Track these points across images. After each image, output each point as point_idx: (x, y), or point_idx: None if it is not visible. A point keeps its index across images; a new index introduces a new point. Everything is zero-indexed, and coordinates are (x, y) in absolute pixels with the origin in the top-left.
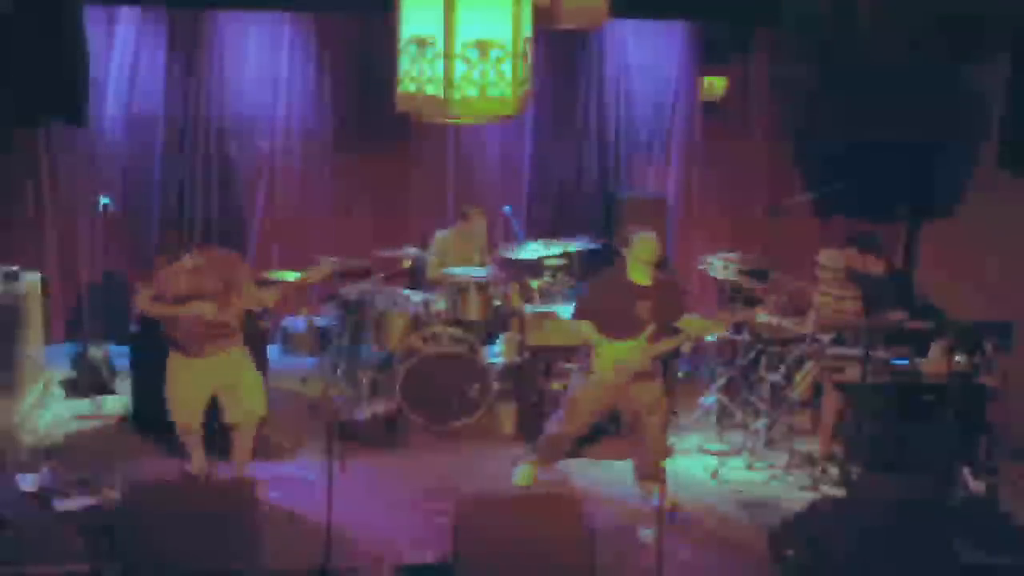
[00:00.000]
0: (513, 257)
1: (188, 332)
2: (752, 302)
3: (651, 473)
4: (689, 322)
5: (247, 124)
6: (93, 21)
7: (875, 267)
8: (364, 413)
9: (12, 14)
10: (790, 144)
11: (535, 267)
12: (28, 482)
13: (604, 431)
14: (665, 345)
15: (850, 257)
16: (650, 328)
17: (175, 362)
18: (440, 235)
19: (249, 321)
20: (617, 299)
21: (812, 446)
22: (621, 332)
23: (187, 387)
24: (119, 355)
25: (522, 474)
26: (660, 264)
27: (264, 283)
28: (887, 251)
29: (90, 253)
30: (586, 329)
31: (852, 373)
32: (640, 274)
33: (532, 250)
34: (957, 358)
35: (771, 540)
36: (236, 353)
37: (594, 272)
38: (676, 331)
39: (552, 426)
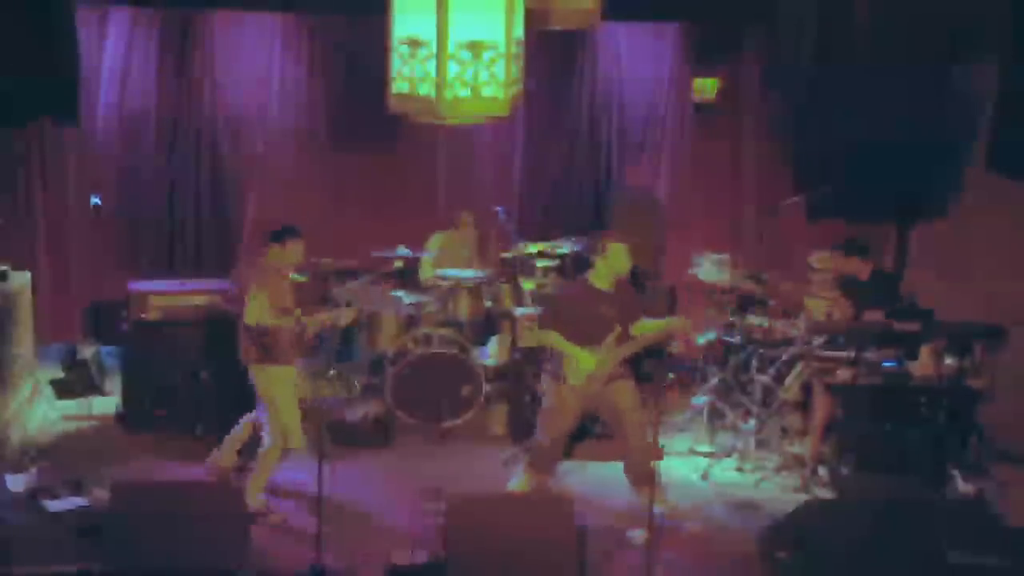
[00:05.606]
0: (504, 258)
1: (291, 340)
2: (744, 304)
3: (643, 477)
4: (644, 325)
5: (238, 124)
6: (84, 21)
7: (862, 270)
8: (355, 414)
9: (3, 13)
10: (781, 145)
11: (526, 268)
12: (17, 483)
13: (593, 433)
14: (630, 348)
15: (836, 261)
16: (616, 331)
17: (286, 373)
18: (435, 237)
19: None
20: (581, 306)
21: (802, 448)
22: (588, 338)
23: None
24: (109, 355)
25: (516, 483)
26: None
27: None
28: (876, 253)
29: (80, 252)
30: (555, 339)
31: (843, 375)
32: (604, 280)
33: (523, 251)
34: (947, 360)
35: (761, 541)
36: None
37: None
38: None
39: (536, 437)
